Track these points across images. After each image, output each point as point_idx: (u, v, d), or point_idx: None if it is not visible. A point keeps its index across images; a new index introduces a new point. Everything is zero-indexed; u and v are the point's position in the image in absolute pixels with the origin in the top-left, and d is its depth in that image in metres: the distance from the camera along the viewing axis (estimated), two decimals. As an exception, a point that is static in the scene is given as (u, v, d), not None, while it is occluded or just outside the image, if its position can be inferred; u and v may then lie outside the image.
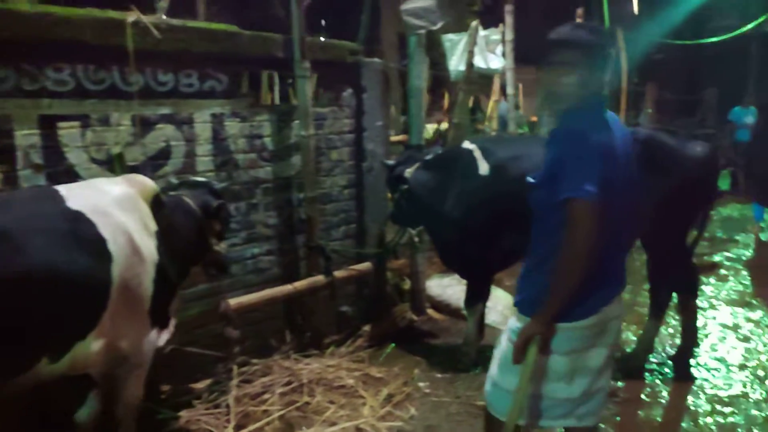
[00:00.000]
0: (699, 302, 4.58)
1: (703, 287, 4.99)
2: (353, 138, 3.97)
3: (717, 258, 6.02)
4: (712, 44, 18.43)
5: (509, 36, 5.60)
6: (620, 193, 1.75)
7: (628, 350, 3.63)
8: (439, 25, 3.95)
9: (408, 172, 3.57)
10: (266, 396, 3.01)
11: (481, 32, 5.49)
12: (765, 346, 3.79)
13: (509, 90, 5.71)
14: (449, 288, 4.50)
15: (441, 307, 4.45)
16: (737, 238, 6.80)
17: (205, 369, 3.18)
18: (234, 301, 3.18)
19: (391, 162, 3.73)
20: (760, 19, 13.93)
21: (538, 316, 1.76)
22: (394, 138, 5.06)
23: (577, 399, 1.84)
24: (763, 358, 3.62)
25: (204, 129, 3.20)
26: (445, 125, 8.23)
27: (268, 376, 3.20)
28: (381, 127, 4.05)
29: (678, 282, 3.57)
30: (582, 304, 1.76)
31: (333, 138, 3.87)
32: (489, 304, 4.35)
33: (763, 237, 6.77)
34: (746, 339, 3.91)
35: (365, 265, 3.92)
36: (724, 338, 3.94)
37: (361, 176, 4.01)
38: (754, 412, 2.99)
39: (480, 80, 6.16)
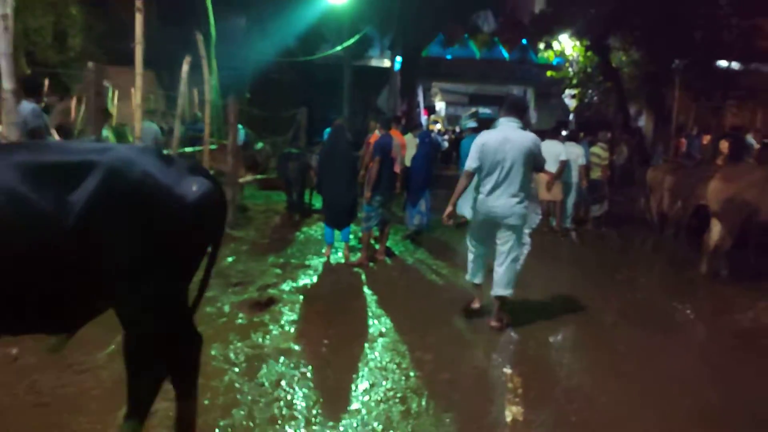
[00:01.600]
0: (233, 356, 3.94)
1: (253, 334, 4.39)
2: None
3: (285, 287, 5.63)
4: (321, 69, 20.20)
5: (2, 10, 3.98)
6: None
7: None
8: None
9: None
10: None
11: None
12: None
13: (5, 85, 4.11)
14: None
15: None
16: (310, 262, 6.66)
17: None
18: None
19: None
20: (336, 49, 15.54)
21: None
22: None
23: None
24: None
25: None
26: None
27: None
28: None
29: (173, 358, 2.68)
30: None
31: None
32: None
33: (333, 260, 6.78)
34: (249, 415, 3.24)
35: None
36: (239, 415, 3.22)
37: None
38: None
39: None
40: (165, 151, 8.03)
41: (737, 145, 11.12)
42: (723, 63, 16.83)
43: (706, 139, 14.47)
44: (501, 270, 4.67)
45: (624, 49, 16.91)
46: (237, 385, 3.49)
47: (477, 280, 5.05)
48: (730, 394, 3.74)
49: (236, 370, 3.70)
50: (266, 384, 3.53)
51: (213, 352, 3.92)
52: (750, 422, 3.42)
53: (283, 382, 3.55)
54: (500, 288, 4.67)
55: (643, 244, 8.51)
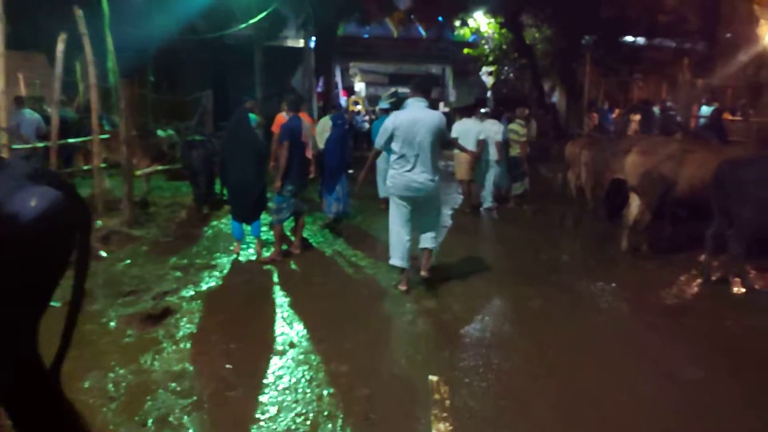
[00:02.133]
0: (112, 388, 3.32)
1: (141, 355, 3.76)
2: None
3: (185, 294, 4.99)
4: (233, 50, 19.03)
5: None
6: None
7: None
8: None
9: None
10: None
11: None
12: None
13: None
14: None
15: None
16: (217, 262, 6.01)
17: None
18: None
19: None
20: (242, 26, 14.65)
21: None
22: None
23: None
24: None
25: None
26: None
27: None
28: None
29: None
30: None
31: None
32: None
33: (242, 258, 6.17)
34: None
35: None
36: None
37: None
38: None
39: None
40: (42, 144, 7.08)
41: (647, 117, 11.39)
42: (629, 38, 17.33)
43: (617, 112, 14.86)
44: (425, 233, 5.10)
45: (537, 26, 17.03)
46: (112, 426, 2.90)
47: (403, 264, 5.05)
48: (664, 380, 3.55)
49: (113, 406, 3.09)
50: (150, 422, 2.96)
51: (86, 385, 3.28)
52: (690, 410, 3.24)
53: (171, 418, 2.99)
54: (427, 242, 5.11)
55: (564, 220, 8.45)
